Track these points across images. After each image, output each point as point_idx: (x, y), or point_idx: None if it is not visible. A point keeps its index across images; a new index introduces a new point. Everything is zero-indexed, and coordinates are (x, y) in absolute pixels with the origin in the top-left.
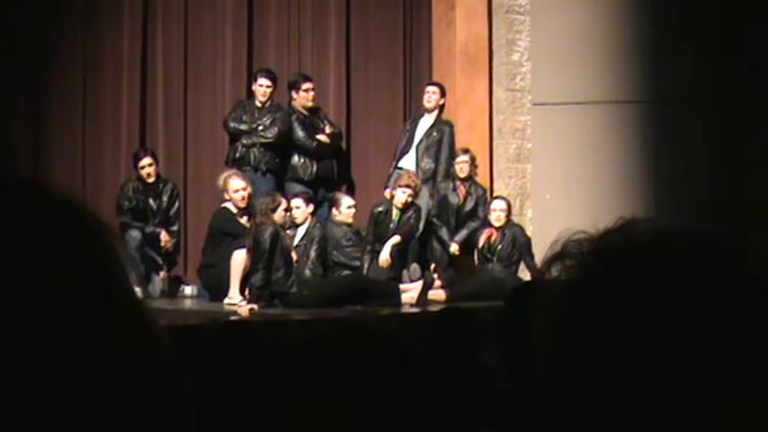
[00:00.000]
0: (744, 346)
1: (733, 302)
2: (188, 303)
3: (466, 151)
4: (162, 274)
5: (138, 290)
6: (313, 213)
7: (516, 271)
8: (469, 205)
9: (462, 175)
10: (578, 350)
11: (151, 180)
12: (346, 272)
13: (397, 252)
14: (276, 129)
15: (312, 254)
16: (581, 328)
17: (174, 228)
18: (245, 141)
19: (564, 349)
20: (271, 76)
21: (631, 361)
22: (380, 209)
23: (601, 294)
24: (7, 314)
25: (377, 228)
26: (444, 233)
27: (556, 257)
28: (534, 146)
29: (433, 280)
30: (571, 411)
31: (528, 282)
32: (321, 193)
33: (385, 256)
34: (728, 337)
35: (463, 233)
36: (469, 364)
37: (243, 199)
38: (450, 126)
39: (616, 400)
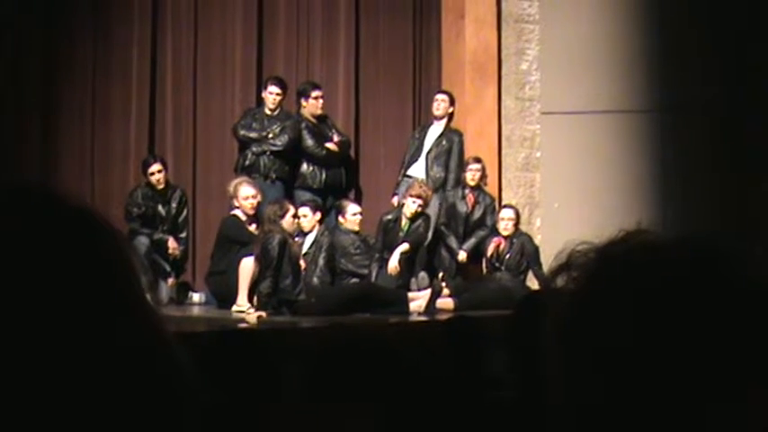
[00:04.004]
0: (740, 348)
1: (729, 309)
2: (196, 310)
3: (478, 160)
4: (170, 280)
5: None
6: (321, 221)
7: (524, 280)
8: (478, 214)
9: (473, 184)
10: (585, 361)
11: (161, 187)
12: (354, 280)
13: (406, 260)
14: (286, 137)
15: (320, 261)
16: (587, 339)
17: (183, 234)
18: (254, 149)
19: (572, 361)
20: (281, 83)
21: (635, 369)
22: (389, 217)
23: (603, 306)
24: (17, 316)
25: (386, 235)
26: (453, 241)
27: (561, 268)
28: (543, 155)
29: (441, 288)
30: (584, 417)
31: (536, 291)
32: (330, 201)
33: (394, 264)
34: (725, 340)
35: (471, 242)
36: (477, 372)
37: (252, 206)
38: (460, 135)
39: (625, 405)
